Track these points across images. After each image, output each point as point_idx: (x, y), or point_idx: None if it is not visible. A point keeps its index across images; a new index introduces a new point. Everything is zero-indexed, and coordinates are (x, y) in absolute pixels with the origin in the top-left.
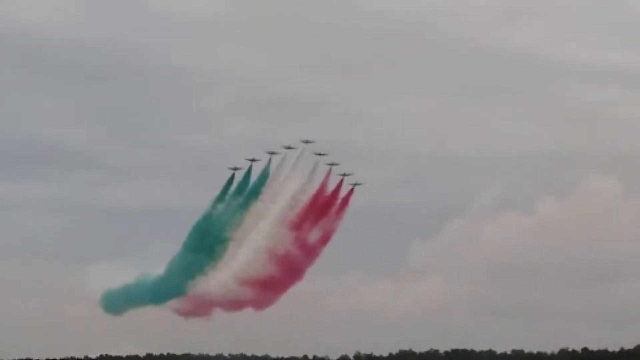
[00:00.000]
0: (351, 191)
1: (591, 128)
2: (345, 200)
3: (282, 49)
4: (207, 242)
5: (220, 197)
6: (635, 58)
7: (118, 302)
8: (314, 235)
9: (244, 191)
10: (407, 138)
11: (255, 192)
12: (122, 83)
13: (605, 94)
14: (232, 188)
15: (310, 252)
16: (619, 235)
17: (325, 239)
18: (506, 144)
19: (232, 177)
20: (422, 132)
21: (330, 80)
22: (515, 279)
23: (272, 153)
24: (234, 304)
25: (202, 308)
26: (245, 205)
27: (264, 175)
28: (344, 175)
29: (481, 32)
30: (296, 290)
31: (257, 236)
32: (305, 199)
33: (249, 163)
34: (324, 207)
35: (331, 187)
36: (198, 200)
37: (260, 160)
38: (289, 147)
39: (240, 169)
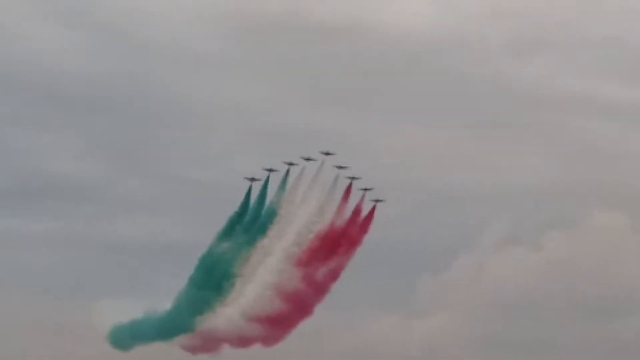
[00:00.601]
0: (373, 210)
1: (597, 162)
2: (368, 220)
3: (287, 83)
4: (214, 276)
5: (233, 222)
6: (637, 92)
7: (126, 337)
8: (325, 269)
9: (258, 218)
10: (412, 172)
11: (264, 225)
12: (127, 117)
13: (611, 128)
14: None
15: (321, 287)
16: (627, 271)
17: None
18: (512, 178)
19: (250, 190)
20: (426, 165)
21: (335, 113)
22: (522, 314)
23: (290, 164)
24: (243, 340)
25: (210, 344)
26: (253, 242)
27: (281, 192)
28: (365, 190)
29: (485, 65)
30: (305, 325)
31: (266, 273)
32: (322, 225)
33: (267, 173)
34: (343, 234)
35: (352, 206)
36: (204, 234)
37: (277, 170)
38: (308, 159)
39: (258, 180)
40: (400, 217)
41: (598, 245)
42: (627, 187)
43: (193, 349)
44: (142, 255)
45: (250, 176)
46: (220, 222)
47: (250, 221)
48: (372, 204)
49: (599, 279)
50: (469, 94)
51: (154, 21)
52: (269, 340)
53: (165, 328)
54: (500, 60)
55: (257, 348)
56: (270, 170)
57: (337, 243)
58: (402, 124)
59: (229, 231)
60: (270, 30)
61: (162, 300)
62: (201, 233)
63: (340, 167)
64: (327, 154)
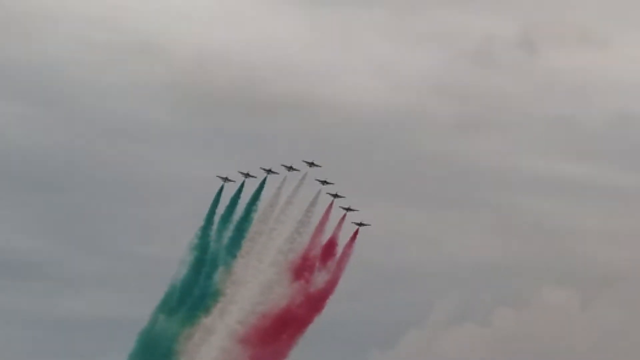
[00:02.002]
0: (355, 234)
1: (547, 239)
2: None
3: (236, 158)
4: (153, 354)
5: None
6: (589, 170)
7: None
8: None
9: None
10: (361, 248)
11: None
12: (75, 192)
13: (560, 205)
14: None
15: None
16: (577, 348)
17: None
18: (462, 255)
19: (220, 191)
20: (375, 241)
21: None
22: None
23: (269, 172)
24: None
25: None
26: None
27: (250, 209)
28: (347, 209)
29: (435, 141)
30: None
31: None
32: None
33: (242, 178)
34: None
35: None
36: (151, 310)
37: (255, 177)
38: (290, 168)
39: (232, 181)
40: (349, 293)
41: (548, 322)
42: (577, 264)
43: None
44: (88, 331)
45: (224, 176)
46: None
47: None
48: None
49: (548, 357)
50: (418, 171)
51: (100, 94)
52: None
53: None
54: (451, 136)
55: None
56: (247, 175)
57: (286, 324)
58: (350, 200)
59: (168, 302)
60: (219, 103)
61: None
62: (148, 309)
63: (324, 183)
64: (312, 164)
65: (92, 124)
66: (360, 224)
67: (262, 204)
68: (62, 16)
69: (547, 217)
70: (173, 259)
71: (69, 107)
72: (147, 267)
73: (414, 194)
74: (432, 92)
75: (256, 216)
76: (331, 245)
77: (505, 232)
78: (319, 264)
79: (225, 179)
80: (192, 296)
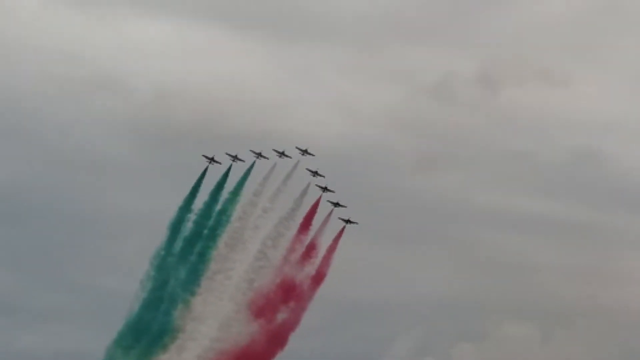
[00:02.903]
0: (341, 232)
1: (506, 274)
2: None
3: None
4: None
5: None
6: (548, 206)
7: None
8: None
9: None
10: (323, 283)
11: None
12: (33, 225)
13: (519, 241)
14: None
15: None
16: None
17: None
18: (422, 290)
19: (204, 173)
20: (337, 277)
21: None
22: None
23: (259, 155)
24: None
25: None
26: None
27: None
28: (336, 205)
29: (395, 177)
30: None
31: None
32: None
33: (229, 161)
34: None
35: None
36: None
37: (243, 161)
38: (282, 154)
39: (218, 162)
40: (311, 328)
41: (508, 357)
42: (536, 299)
43: None
44: None
45: (210, 155)
46: None
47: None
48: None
49: None
50: (378, 206)
51: (59, 127)
52: None
53: None
54: (410, 172)
55: None
56: (235, 158)
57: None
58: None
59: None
60: (179, 138)
61: None
62: (105, 343)
63: (315, 174)
64: (305, 152)
65: (51, 156)
66: (348, 221)
67: (246, 193)
68: (22, 49)
69: (507, 252)
70: (130, 292)
71: (27, 140)
72: (105, 300)
73: (374, 229)
74: (392, 128)
75: (238, 209)
76: (311, 248)
77: (465, 267)
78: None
79: (212, 160)
80: (150, 332)
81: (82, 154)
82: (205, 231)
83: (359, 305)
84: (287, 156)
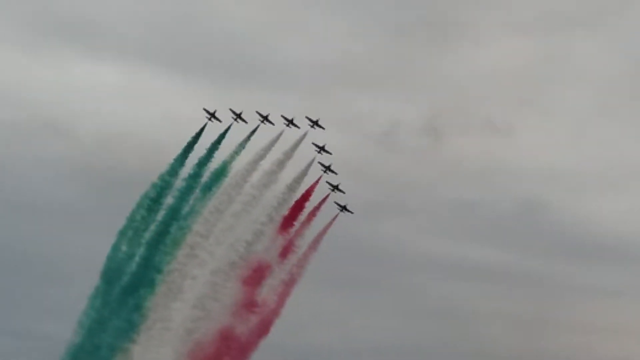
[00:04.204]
0: (333, 219)
1: (451, 322)
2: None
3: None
4: None
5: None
6: (493, 255)
7: None
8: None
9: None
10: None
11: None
12: None
13: (463, 289)
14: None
15: None
16: None
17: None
18: (367, 336)
19: (202, 129)
20: (281, 324)
21: None
22: None
23: (265, 119)
24: None
25: None
26: None
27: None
28: (334, 188)
29: (340, 225)
30: None
31: None
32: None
33: (231, 119)
34: None
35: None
36: None
37: (246, 122)
38: (290, 122)
39: (219, 120)
40: None
41: None
42: (481, 347)
43: None
44: None
45: (212, 110)
46: None
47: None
48: None
49: None
50: (324, 253)
51: (3, 171)
52: None
53: None
54: (357, 219)
55: None
56: (239, 117)
57: None
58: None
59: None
60: (125, 182)
61: None
62: None
63: (320, 150)
64: (315, 124)
65: None
66: (344, 209)
67: (236, 169)
68: None
69: (452, 300)
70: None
71: None
72: (52, 346)
73: (320, 276)
74: (338, 175)
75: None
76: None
77: (410, 314)
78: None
79: (212, 115)
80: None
81: (24, 197)
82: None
83: (304, 352)
84: (294, 124)
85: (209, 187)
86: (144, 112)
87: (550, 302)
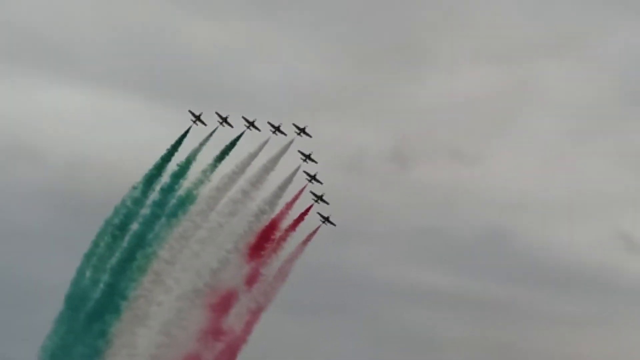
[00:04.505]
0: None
1: (416, 349)
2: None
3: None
4: None
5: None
6: (457, 281)
7: None
8: None
9: None
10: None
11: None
12: None
13: (427, 315)
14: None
15: None
16: None
17: None
18: None
19: (186, 133)
20: (249, 350)
21: None
22: None
23: (251, 125)
24: None
25: None
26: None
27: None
28: (318, 198)
29: (308, 250)
30: None
31: None
32: None
33: (217, 123)
34: None
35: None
36: None
37: (232, 127)
38: (277, 129)
39: (204, 124)
40: None
41: None
42: None
43: None
44: None
45: (197, 113)
46: None
47: None
48: None
49: None
50: (289, 278)
51: None
52: None
53: None
54: (322, 245)
55: None
56: (225, 121)
57: None
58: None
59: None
60: (93, 208)
61: None
62: None
63: (306, 158)
64: (302, 131)
65: None
66: (327, 220)
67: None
68: None
69: (416, 327)
70: None
71: None
72: None
73: (287, 302)
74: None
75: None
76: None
77: (375, 340)
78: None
79: (198, 118)
80: None
81: None
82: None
83: None
84: (280, 131)
85: (174, 214)
86: (110, 136)
87: (515, 330)
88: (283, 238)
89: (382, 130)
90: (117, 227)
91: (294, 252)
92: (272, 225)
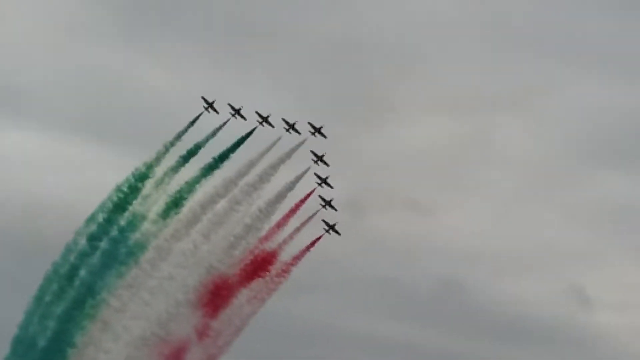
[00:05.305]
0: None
1: None
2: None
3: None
4: None
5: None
6: (413, 332)
7: None
8: None
9: None
10: None
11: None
12: None
13: None
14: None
15: None
16: None
17: None
18: None
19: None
20: None
21: None
22: None
23: (264, 120)
24: None
25: None
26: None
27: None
28: (327, 203)
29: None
30: None
31: None
32: None
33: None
34: None
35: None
36: None
37: (245, 119)
38: (291, 127)
39: (216, 111)
40: None
41: None
42: None
43: None
44: None
45: (210, 99)
46: None
47: None
48: None
49: None
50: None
51: None
52: None
53: None
54: (278, 295)
55: None
56: (237, 113)
57: None
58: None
59: None
60: (45, 251)
61: None
62: None
63: (317, 160)
64: (317, 131)
65: None
66: (332, 228)
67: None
68: None
69: None
70: None
71: None
72: None
73: (240, 351)
74: None
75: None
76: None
77: None
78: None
79: (210, 105)
80: None
81: None
82: None
83: None
84: (294, 129)
85: (124, 262)
86: (67, 180)
87: None
88: (235, 293)
89: (338, 180)
90: (65, 272)
91: (249, 305)
92: (224, 279)
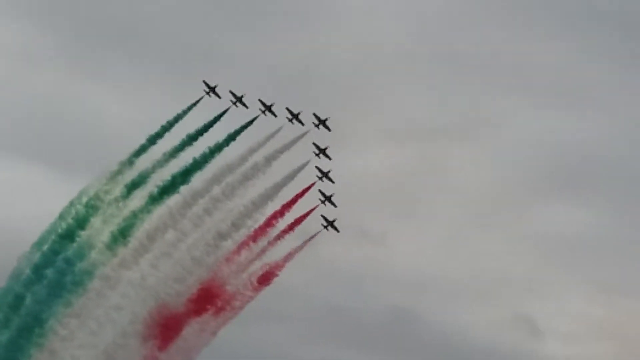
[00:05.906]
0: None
1: None
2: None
3: None
4: None
5: None
6: (363, 358)
7: None
8: None
9: None
10: None
11: None
12: None
13: None
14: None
15: None
16: None
17: None
18: None
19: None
20: None
21: None
22: None
23: (268, 108)
24: None
25: None
26: None
27: None
28: (327, 199)
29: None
30: None
31: None
32: None
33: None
34: None
35: None
36: None
37: (247, 107)
38: (295, 116)
39: (218, 96)
40: None
41: None
42: None
43: None
44: None
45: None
46: None
47: None
48: None
49: None
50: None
51: None
52: None
53: None
54: (230, 325)
55: None
56: (239, 100)
57: None
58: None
59: None
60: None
61: None
62: None
63: (319, 152)
64: (322, 122)
65: None
66: (331, 224)
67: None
68: None
69: None
70: None
71: None
72: None
73: None
74: None
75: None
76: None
77: None
78: None
79: (212, 90)
80: None
81: None
82: None
83: None
84: (297, 119)
85: (71, 290)
86: (13, 206)
87: None
88: (183, 325)
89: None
90: (10, 300)
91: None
92: (172, 310)
